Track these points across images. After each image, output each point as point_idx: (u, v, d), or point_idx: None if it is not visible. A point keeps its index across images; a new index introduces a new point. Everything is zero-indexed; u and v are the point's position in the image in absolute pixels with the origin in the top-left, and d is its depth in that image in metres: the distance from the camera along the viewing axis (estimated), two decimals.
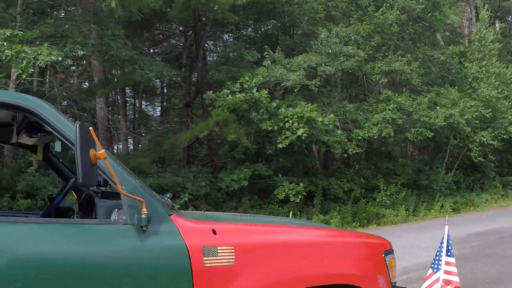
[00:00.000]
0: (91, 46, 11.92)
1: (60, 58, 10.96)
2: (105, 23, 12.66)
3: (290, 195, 15.26)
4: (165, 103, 23.76)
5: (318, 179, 17.34)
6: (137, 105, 22.59)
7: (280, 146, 14.83)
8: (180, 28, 19.67)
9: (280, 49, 16.47)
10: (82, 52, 11.64)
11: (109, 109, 17.69)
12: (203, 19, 17.44)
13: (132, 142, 20.27)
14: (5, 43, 10.71)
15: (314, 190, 16.64)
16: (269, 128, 14.65)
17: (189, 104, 17.76)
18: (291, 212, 11.72)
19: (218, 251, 2.65)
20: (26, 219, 2.70)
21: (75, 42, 11.62)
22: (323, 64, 16.27)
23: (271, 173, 15.92)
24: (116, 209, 2.92)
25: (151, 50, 20.65)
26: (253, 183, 15.87)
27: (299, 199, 15.33)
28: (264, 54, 15.98)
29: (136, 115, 22.37)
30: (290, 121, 14.51)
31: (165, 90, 22.27)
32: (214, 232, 2.71)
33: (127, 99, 20.59)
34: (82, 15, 13.29)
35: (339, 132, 16.14)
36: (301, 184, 15.63)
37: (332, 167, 20.10)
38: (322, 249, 3.07)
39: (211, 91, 15.08)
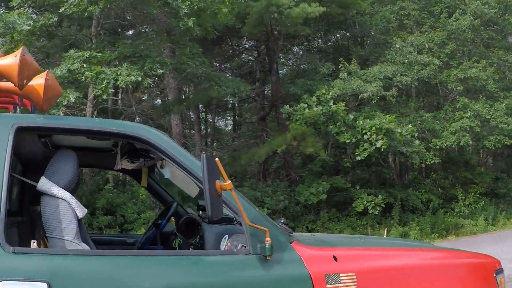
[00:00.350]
0: (169, 65, 12.28)
1: (139, 78, 11.36)
2: (182, 42, 13.02)
3: (368, 208, 15.13)
4: (236, 117, 24.16)
5: (396, 190, 17.08)
6: (209, 120, 23.08)
7: (358, 158, 14.75)
8: (251, 43, 20.05)
9: (354, 60, 16.43)
10: (161, 71, 11.99)
11: (184, 125, 18.19)
12: (275, 33, 17.69)
13: None
14: (84, 65, 11.24)
15: (392, 201, 16.40)
16: (347, 141, 14.62)
17: (263, 118, 18.01)
18: (385, 230, 11.57)
19: (341, 278, 2.63)
20: (151, 252, 2.87)
21: (154, 61, 11.96)
22: (399, 74, 16.06)
23: (349, 185, 15.85)
24: (226, 236, 2.96)
25: (223, 66, 21.09)
26: (331, 196, 15.84)
27: (377, 211, 15.17)
28: (340, 66, 15.98)
29: (209, 130, 22.85)
30: (368, 133, 14.41)
31: (236, 105, 22.64)
32: (335, 258, 2.71)
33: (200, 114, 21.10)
34: (156, 34, 13.78)
35: (417, 142, 15.84)
36: (380, 196, 15.46)
37: (408, 178, 19.75)
38: (440, 272, 3.01)
39: (288, 105, 15.23)
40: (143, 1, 11.55)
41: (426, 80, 17.34)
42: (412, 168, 19.81)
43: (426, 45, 17.38)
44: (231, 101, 22.12)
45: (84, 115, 12.72)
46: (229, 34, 18.06)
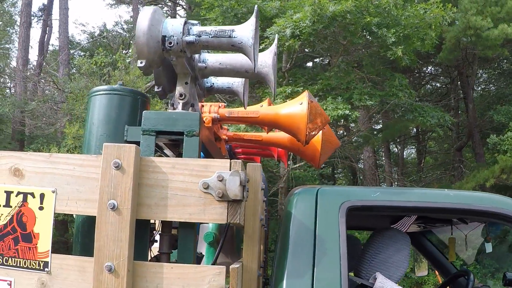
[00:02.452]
0: (378, 97, 11.99)
1: (347, 111, 11.17)
2: (389, 73, 12.72)
3: None
4: (421, 146, 23.14)
5: None
6: (395, 150, 22.42)
7: None
8: (438, 69, 19.14)
9: None
10: (370, 103, 11.72)
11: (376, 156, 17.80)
12: (469, 58, 16.62)
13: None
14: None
15: None
16: None
17: (460, 149, 16.84)
18: None
19: None
20: None
21: (362, 92, 11.75)
22: None
23: None
24: None
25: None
26: None
27: None
28: None
29: (398, 161, 22.13)
30: None
31: (419, 134, 21.73)
32: None
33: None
34: (346, 65, 13.59)
35: None
36: None
37: None
38: None
39: (494, 135, 13.99)
40: (348, 31, 11.49)
41: None
42: None
43: None
44: (414, 130, 21.26)
45: None
46: (422, 61, 17.38)
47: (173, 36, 1.82)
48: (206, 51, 2.15)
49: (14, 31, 25.71)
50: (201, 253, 2.71)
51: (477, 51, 15.74)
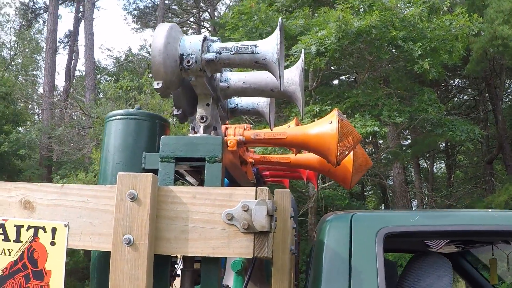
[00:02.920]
0: (407, 113, 11.70)
1: (376, 128, 10.93)
2: (416, 87, 12.47)
3: None
4: (450, 160, 22.65)
5: None
6: (424, 166, 21.96)
7: None
8: (465, 81, 18.74)
9: None
10: (400, 119, 11.46)
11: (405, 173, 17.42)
12: (497, 69, 16.24)
13: (426, 205, 19.58)
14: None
15: None
16: None
17: (491, 162, 16.36)
18: None
19: None
20: None
21: (391, 109, 11.52)
22: None
23: None
24: None
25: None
26: None
27: None
28: None
29: (428, 176, 21.66)
30: None
31: (449, 148, 21.29)
32: None
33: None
34: (373, 81, 13.37)
35: None
36: None
37: None
38: None
39: None
40: (374, 46, 11.31)
41: None
42: None
43: None
44: (443, 144, 20.81)
45: None
46: (448, 73, 17.05)
47: (192, 54, 1.68)
48: (228, 69, 2.00)
49: (41, 57, 26.32)
50: (228, 286, 2.55)
51: (505, 61, 15.39)
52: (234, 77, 1.95)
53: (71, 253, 13.04)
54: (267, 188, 1.56)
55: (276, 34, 1.64)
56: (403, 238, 2.13)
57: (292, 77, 1.94)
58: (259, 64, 1.68)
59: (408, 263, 2.38)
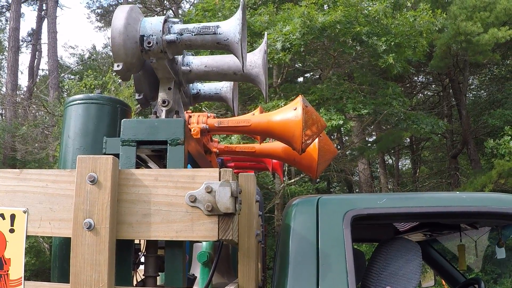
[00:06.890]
0: (372, 105, 11.83)
1: (341, 122, 11.05)
2: (381, 82, 12.63)
3: None
4: (415, 156, 23.06)
5: None
6: (389, 161, 22.29)
7: None
8: (429, 78, 19.12)
9: None
10: (365, 111, 11.56)
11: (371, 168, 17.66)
12: (460, 65, 16.62)
13: None
14: None
15: None
16: None
17: (455, 156, 16.73)
18: None
19: None
20: None
21: (356, 101, 11.62)
22: None
23: None
24: None
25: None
26: None
27: None
28: None
29: (393, 172, 22.00)
30: None
31: (413, 143, 21.67)
32: None
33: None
34: (337, 77, 13.49)
35: None
36: None
37: None
38: None
39: (491, 139, 13.88)
40: (338, 42, 11.40)
41: None
42: None
43: None
44: (408, 140, 21.18)
45: None
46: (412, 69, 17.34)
47: (152, 35, 1.65)
48: (190, 53, 1.97)
49: (3, 56, 25.57)
50: (194, 274, 2.52)
51: (468, 57, 15.72)
52: (196, 61, 1.93)
53: (37, 253, 12.73)
54: (230, 169, 1.54)
55: (238, 14, 1.62)
56: (370, 221, 2.12)
57: (255, 60, 1.93)
58: (221, 45, 1.66)
59: (376, 248, 2.37)
